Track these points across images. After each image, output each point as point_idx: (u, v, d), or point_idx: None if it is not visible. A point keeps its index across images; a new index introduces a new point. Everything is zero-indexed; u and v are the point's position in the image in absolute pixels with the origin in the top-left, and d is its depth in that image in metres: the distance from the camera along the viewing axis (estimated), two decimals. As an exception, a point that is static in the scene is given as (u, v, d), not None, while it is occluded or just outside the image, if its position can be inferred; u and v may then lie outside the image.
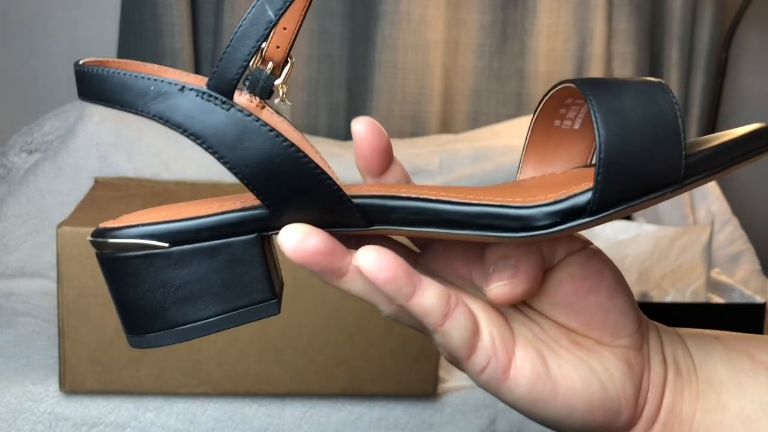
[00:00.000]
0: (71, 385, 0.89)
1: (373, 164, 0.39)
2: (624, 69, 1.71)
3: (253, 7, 0.33)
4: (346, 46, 1.64)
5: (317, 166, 0.34)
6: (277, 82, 0.37)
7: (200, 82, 0.36)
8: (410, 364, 0.93)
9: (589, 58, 1.68)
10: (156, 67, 0.38)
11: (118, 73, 0.33)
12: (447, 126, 1.67)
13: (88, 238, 0.37)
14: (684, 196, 1.49)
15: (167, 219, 0.35)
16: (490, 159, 1.45)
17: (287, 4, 0.33)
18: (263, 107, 0.39)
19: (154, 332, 0.36)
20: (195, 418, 0.91)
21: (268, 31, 0.33)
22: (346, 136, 1.62)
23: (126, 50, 1.55)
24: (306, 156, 0.34)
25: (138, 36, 1.54)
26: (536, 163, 0.42)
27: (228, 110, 0.33)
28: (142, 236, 0.35)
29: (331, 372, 0.92)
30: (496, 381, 0.37)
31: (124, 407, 0.90)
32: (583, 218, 0.34)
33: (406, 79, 1.62)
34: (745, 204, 1.66)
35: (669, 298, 1.23)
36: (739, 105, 1.84)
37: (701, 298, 1.23)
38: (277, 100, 0.38)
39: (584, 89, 0.35)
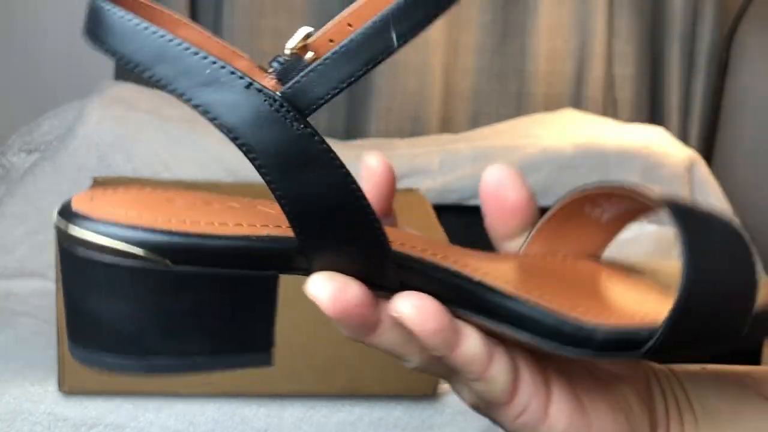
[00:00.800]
0: (70, 385, 0.88)
1: (387, 201, 0.35)
2: (625, 68, 1.71)
3: (374, 23, 0.26)
4: (346, 45, 1.63)
5: (373, 213, 0.29)
6: None
7: (229, 57, 0.30)
8: (410, 365, 0.93)
9: (589, 58, 1.68)
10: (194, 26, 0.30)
11: (162, 36, 0.26)
12: (447, 126, 1.67)
13: (54, 215, 0.29)
14: (685, 196, 1.48)
15: (171, 228, 0.28)
16: (490, 159, 1.45)
17: (417, 29, 0.27)
18: None
19: (117, 354, 0.29)
20: (194, 418, 0.91)
21: (383, 57, 0.26)
22: (346, 135, 1.62)
23: (125, 50, 1.55)
24: (366, 200, 0.29)
25: (137, 36, 1.54)
26: (547, 237, 0.39)
27: (299, 131, 0.27)
28: (137, 243, 0.28)
29: (331, 372, 0.92)
30: (535, 422, 0.33)
31: (123, 408, 0.90)
32: (636, 353, 0.32)
33: (406, 79, 1.62)
34: (746, 204, 1.66)
35: (670, 299, 1.22)
36: (741, 105, 1.83)
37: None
38: None
39: (681, 225, 0.32)
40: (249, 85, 0.26)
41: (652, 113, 1.75)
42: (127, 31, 0.26)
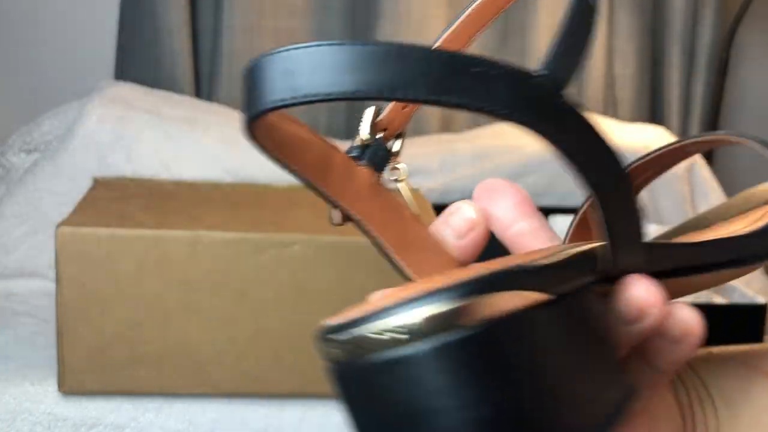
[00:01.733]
0: (70, 385, 0.88)
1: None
2: (625, 68, 1.71)
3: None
4: (346, 45, 1.63)
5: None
6: (395, 148, 0.31)
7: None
8: (410, 365, 0.92)
9: (589, 58, 1.68)
10: None
11: (450, 55, 0.23)
12: (447, 125, 1.67)
13: (321, 341, 0.22)
14: (685, 195, 1.48)
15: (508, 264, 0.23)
16: (490, 159, 1.45)
17: None
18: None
19: None
20: (194, 419, 0.91)
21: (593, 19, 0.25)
22: (346, 135, 1.61)
23: (125, 50, 1.55)
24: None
25: (137, 36, 1.54)
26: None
27: (572, 108, 0.25)
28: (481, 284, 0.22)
29: (331, 372, 0.91)
30: None
31: (123, 408, 0.90)
32: None
33: (406, 78, 1.62)
34: (745, 204, 1.66)
35: (670, 298, 1.22)
36: (741, 105, 1.83)
37: (703, 298, 1.23)
38: (401, 181, 0.33)
39: None
40: (520, 76, 0.24)
41: (652, 113, 1.75)
42: (411, 56, 0.21)
